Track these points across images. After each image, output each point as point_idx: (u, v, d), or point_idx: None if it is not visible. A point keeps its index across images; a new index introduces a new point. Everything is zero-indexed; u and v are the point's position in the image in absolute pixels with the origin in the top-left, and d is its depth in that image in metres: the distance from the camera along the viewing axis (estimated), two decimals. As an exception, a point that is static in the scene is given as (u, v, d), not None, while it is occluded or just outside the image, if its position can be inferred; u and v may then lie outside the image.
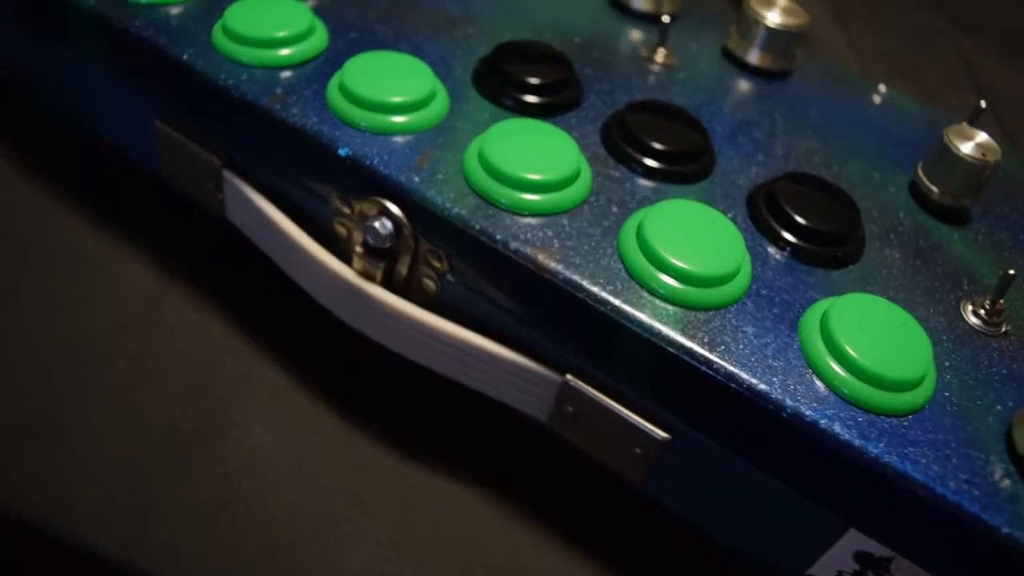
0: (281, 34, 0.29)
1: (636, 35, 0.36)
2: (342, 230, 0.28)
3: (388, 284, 0.28)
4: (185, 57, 0.29)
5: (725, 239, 0.26)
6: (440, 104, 0.29)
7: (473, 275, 0.26)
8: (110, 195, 0.37)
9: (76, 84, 0.34)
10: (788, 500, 0.24)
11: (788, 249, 0.27)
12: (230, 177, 0.30)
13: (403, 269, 0.27)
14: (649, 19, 0.37)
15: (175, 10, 0.31)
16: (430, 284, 0.27)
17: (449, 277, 0.27)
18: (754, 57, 0.36)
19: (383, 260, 0.27)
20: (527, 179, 0.26)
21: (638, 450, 0.26)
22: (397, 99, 0.27)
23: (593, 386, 0.26)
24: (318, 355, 0.33)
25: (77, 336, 0.32)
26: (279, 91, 0.28)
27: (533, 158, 0.26)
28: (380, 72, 0.29)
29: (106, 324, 0.32)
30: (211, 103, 0.29)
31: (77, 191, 0.36)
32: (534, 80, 0.30)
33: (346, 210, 0.28)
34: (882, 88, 0.38)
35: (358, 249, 0.27)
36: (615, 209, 0.27)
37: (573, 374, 0.26)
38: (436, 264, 0.27)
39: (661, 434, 0.25)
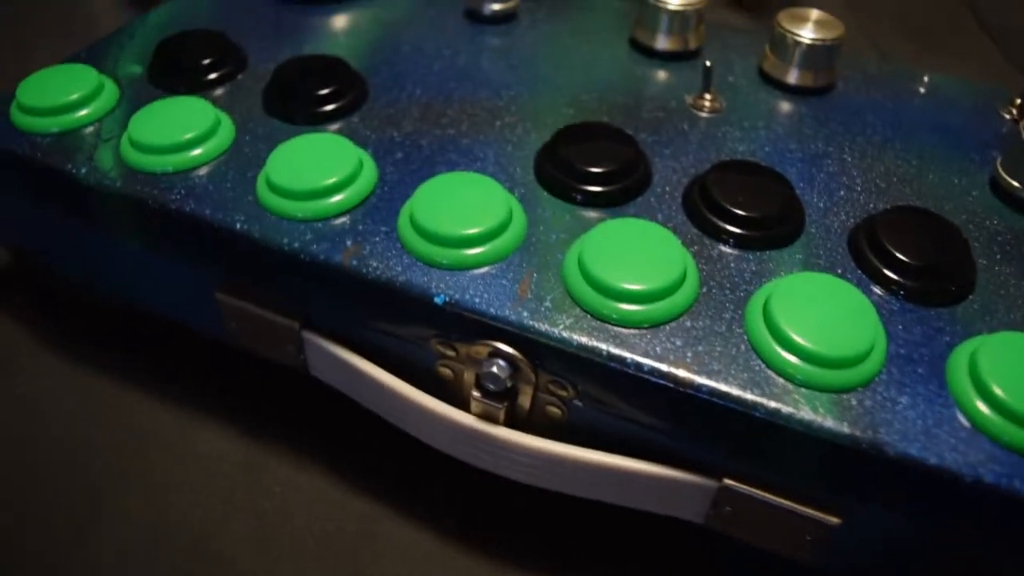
0: (332, 180, 0.28)
1: (672, 78, 0.36)
2: (448, 372, 0.28)
3: (511, 421, 0.27)
4: (239, 226, 0.28)
5: (853, 307, 0.25)
6: (519, 221, 0.28)
7: (605, 398, 0.26)
8: (175, 365, 0.35)
9: (115, 260, 0.32)
10: (959, 554, 0.25)
11: (903, 292, 0.27)
12: (312, 337, 0.29)
13: (526, 403, 0.27)
14: (675, 57, 0.37)
15: (203, 171, 0.30)
16: (556, 411, 0.27)
17: (577, 403, 0.26)
18: (795, 77, 0.35)
19: (504, 400, 0.27)
20: (642, 291, 0.25)
21: (808, 537, 0.26)
22: (478, 229, 0.26)
23: (754, 485, 0.25)
24: (437, 495, 0.32)
25: (174, 533, 0.30)
26: (350, 244, 0.27)
27: (637, 263, 0.26)
28: (449, 201, 0.28)
29: (211, 509, 0.31)
30: (278, 269, 0.28)
31: (140, 369, 0.35)
32: (605, 169, 0.29)
33: (450, 353, 0.27)
34: (925, 78, 0.38)
35: (475, 393, 0.27)
36: (730, 294, 0.26)
37: (730, 477, 0.26)
38: (561, 393, 0.26)
39: (832, 520, 0.25)
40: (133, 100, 0.33)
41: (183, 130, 0.30)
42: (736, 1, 0.51)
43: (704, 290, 0.26)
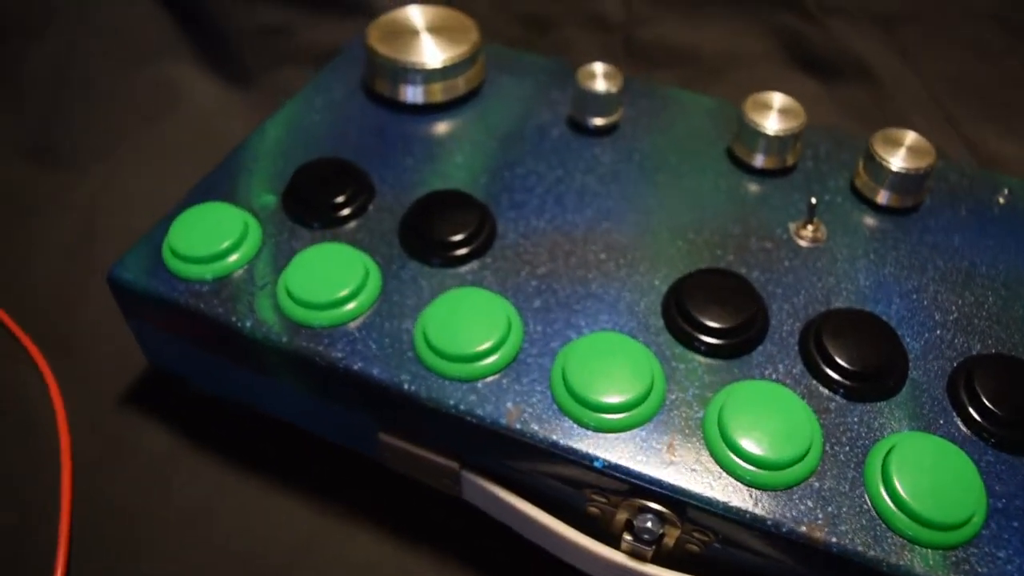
0: (489, 344, 0.32)
1: (773, 198, 0.39)
2: (597, 511, 0.32)
3: (656, 557, 0.32)
4: (406, 387, 0.32)
5: (960, 471, 0.30)
6: (660, 381, 0.32)
7: (742, 544, 0.30)
8: (330, 474, 0.39)
9: (271, 391, 0.37)
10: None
11: (997, 442, 0.31)
12: (469, 475, 0.34)
13: (670, 543, 0.32)
14: (773, 174, 0.40)
15: (360, 323, 0.34)
16: (695, 548, 0.32)
17: (716, 545, 0.31)
18: (886, 199, 0.39)
19: (652, 544, 0.31)
20: (779, 460, 0.30)
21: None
22: (628, 396, 0.31)
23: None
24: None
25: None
26: (510, 405, 0.31)
27: (773, 430, 0.30)
28: (598, 364, 0.32)
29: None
30: (442, 422, 0.32)
31: (293, 475, 0.39)
32: (729, 325, 0.33)
33: (601, 499, 0.32)
34: (1005, 190, 0.41)
35: (626, 536, 0.31)
36: (849, 452, 0.31)
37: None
38: (703, 538, 0.31)
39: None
40: (275, 237, 0.37)
41: (338, 284, 0.34)
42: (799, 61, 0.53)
43: (827, 448, 0.31)
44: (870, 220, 0.39)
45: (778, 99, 0.40)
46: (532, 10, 0.54)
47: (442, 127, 0.42)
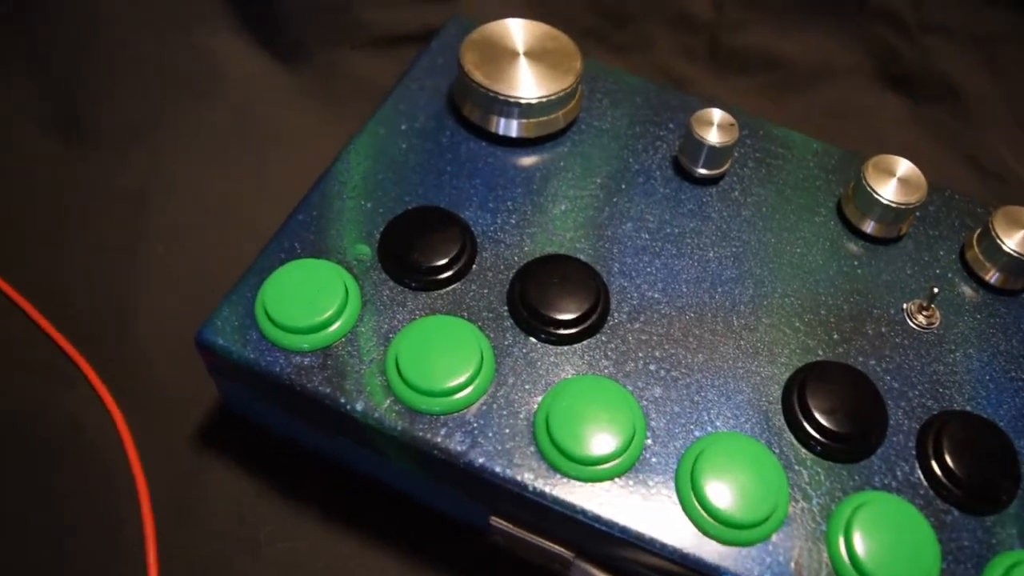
0: (616, 445, 0.32)
1: (885, 269, 0.39)
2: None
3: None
4: (531, 487, 0.32)
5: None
6: (784, 491, 0.32)
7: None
8: (423, 533, 0.39)
9: (373, 462, 0.36)
10: None
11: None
12: (581, 563, 0.34)
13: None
14: (884, 242, 0.40)
15: (476, 410, 0.33)
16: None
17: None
18: (996, 280, 0.39)
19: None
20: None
21: None
22: (764, 513, 0.31)
23: None
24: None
25: None
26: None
27: (901, 550, 0.31)
28: (728, 472, 0.32)
29: None
30: (566, 522, 0.32)
31: (381, 530, 0.39)
32: (849, 430, 0.33)
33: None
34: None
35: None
36: (971, 569, 0.32)
37: None
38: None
39: None
40: (375, 298, 0.35)
41: (455, 369, 0.33)
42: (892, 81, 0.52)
43: (945, 566, 0.32)
44: (980, 300, 0.39)
45: (901, 166, 0.39)
46: (613, 0, 0.51)
47: (540, 165, 0.41)
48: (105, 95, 0.51)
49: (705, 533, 0.32)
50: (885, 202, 0.39)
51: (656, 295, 0.37)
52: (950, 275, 0.40)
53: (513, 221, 0.39)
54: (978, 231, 0.40)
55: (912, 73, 0.52)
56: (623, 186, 0.40)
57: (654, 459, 0.33)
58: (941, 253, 0.41)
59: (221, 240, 0.46)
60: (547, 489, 0.32)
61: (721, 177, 0.41)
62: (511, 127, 0.40)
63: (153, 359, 0.42)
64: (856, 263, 0.39)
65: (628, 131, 0.43)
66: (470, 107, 0.41)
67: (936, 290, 0.37)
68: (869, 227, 0.40)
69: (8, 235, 0.48)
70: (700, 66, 0.51)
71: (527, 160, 0.41)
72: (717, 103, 0.42)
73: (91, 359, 0.42)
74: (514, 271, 0.37)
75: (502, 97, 0.39)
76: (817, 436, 0.34)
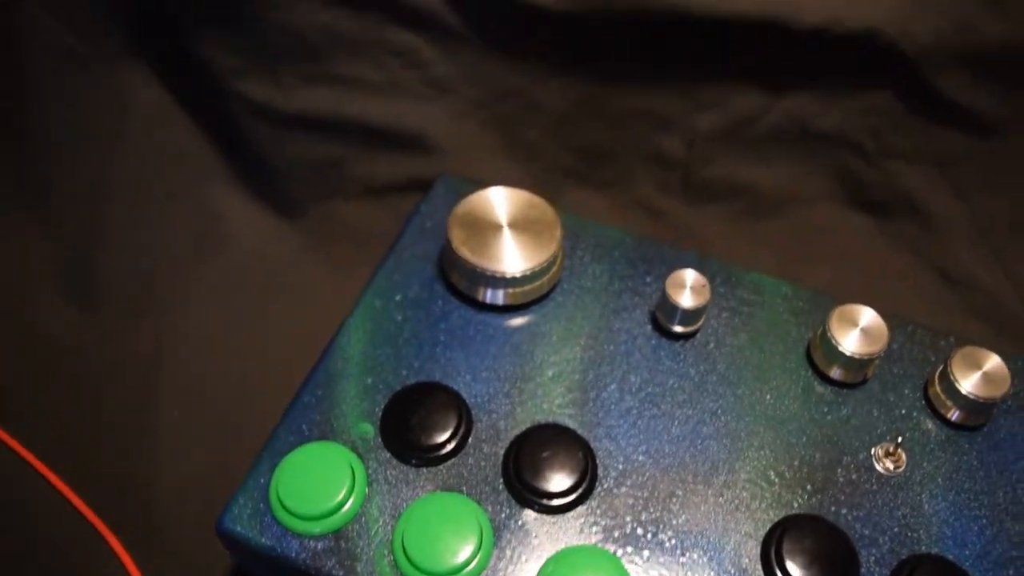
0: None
1: (852, 414, 0.42)
2: None
3: None
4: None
5: None
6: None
7: None
8: None
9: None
10: None
11: None
12: None
13: None
14: (848, 386, 0.43)
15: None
16: None
17: None
18: (958, 418, 0.42)
19: None
20: None
21: None
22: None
23: None
24: None
25: None
26: None
27: None
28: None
29: None
30: None
31: None
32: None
33: None
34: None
35: None
36: None
37: None
38: None
39: None
40: (380, 476, 0.39)
41: (456, 547, 0.36)
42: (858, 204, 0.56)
43: None
44: (944, 438, 0.42)
45: (864, 316, 0.42)
46: (590, 141, 0.54)
47: (528, 329, 0.44)
48: (116, 256, 0.54)
49: None
50: (848, 354, 0.42)
51: (641, 457, 0.40)
52: (915, 414, 0.43)
53: (505, 390, 0.42)
54: (939, 370, 0.43)
55: (876, 195, 0.56)
56: (606, 347, 0.44)
57: (644, 625, 0.36)
58: (906, 392, 0.44)
59: (234, 401, 0.49)
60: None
61: (697, 331, 0.44)
62: (498, 296, 0.44)
63: (174, 526, 0.45)
64: (826, 409, 0.43)
65: (609, 287, 0.46)
66: (459, 278, 0.44)
67: (900, 439, 0.40)
68: (836, 373, 0.43)
69: (29, 401, 0.51)
70: (675, 198, 0.55)
71: (515, 324, 0.45)
72: (691, 255, 0.46)
73: (113, 527, 0.46)
74: (507, 443, 0.40)
75: (488, 272, 0.43)
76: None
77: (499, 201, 0.45)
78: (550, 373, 0.43)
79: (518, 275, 0.43)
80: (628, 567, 0.37)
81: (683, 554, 0.38)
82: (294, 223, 0.56)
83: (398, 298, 0.45)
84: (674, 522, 0.39)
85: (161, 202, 0.55)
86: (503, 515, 0.38)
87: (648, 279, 0.46)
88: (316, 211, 0.55)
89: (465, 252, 0.43)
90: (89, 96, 0.54)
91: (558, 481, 0.39)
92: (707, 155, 0.54)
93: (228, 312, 0.54)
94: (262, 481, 0.39)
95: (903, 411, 0.43)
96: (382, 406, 0.41)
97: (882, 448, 0.41)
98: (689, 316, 0.43)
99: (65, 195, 0.55)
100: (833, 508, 0.39)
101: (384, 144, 0.53)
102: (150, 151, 0.55)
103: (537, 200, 0.46)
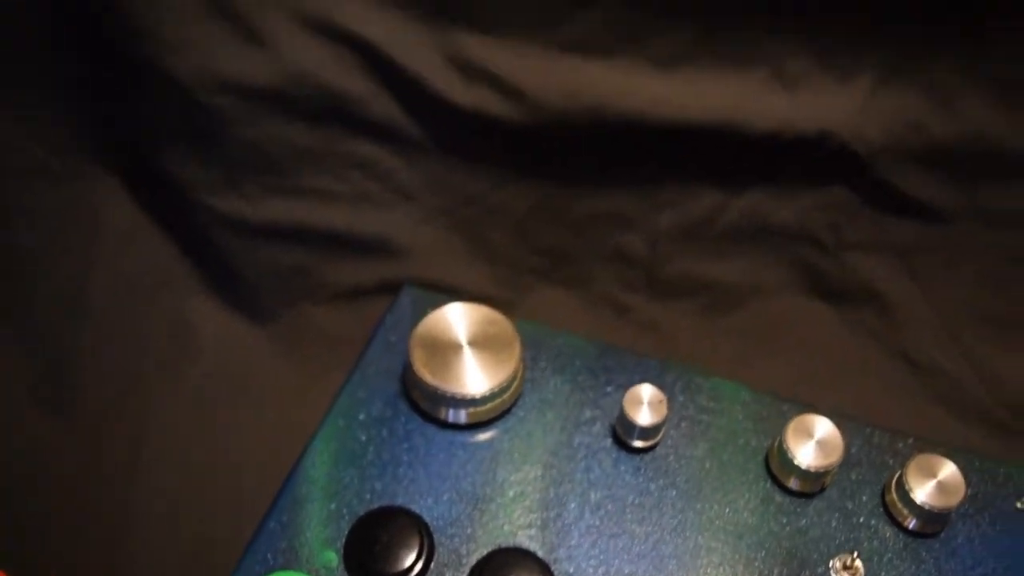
0: None
1: (813, 529, 0.42)
2: None
3: None
4: None
5: None
6: None
7: None
8: None
9: None
10: None
11: None
12: None
13: None
14: (806, 495, 0.44)
15: None
16: None
17: None
18: (914, 527, 0.43)
19: None
20: None
21: None
22: None
23: None
24: None
25: None
26: None
27: None
28: None
29: None
30: None
31: None
32: None
33: None
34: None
35: None
36: None
37: None
38: None
39: None
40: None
41: None
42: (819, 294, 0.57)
43: None
44: (902, 545, 0.43)
45: (820, 428, 0.43)
46: (552, 242, 0.55)
47: (490, 446, 0.45)
48: (90, 363, 0.55)
49: None
50: (804, 467, 0.43)
51: (604, 580, 0.41)
52: (873, 521, 0.44)
53: (467, 512, 0.42)
54: (895, 477, 0.44)
55: (836, 285, 0.57)
56: (567, 464, 0.44)
57: None
58: (864, 498, 0.44)
59: (208, 512, 0.50)
60: None
61: (656, 444, 0.45)
62: (460, 416, 0.45)
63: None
64: (785, 520, 0.43)
65: (570, 399, 0.47)
66: (421, 398, 0.45)
67: (856, 553, 0.41)
68: (793, 484, 0.44)
69: (2, 511, 0.52)
70: (639, 295, 0.56)
71: (478, 441, 0.45)
72: (652, 363, 0.47)
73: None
74: (468, 570, 0.41)
75: (450, 394, 0.44)
76: None
77: (458, 319, 0.46)
78: (511, 493, 0.43)
79: (479, 396, 0.44)
80: None
81: None
82: (265, 329, 0.56)
83: (362, 417, 0.46)
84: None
85: (134, 312, 0.56)
86: (466, 646, 0.39)
87: (609, 389, 0.47)
88: (287, 317, 0.56)
89: (426, 374, 0.44)
90: (63, 211, 0.55)
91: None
92: (669, 252, 0.55)
93: (202, 420, 0.54)
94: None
95: (861, 519, 0.44)
96: (346, 532, 0.42)
97: (840, 560, 0.42)
98: (647, 432, 0.44)
99: (40, 308, 0.56)
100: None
101: (350, 250, 0.54)
102: (123, 263, 0.56)
103: (497, 316, 0.47)
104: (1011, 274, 0.57)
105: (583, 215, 0.55)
